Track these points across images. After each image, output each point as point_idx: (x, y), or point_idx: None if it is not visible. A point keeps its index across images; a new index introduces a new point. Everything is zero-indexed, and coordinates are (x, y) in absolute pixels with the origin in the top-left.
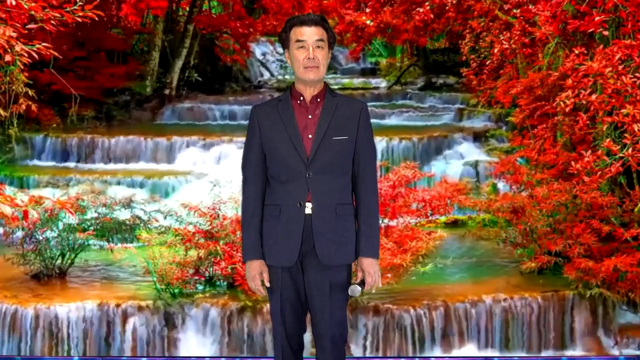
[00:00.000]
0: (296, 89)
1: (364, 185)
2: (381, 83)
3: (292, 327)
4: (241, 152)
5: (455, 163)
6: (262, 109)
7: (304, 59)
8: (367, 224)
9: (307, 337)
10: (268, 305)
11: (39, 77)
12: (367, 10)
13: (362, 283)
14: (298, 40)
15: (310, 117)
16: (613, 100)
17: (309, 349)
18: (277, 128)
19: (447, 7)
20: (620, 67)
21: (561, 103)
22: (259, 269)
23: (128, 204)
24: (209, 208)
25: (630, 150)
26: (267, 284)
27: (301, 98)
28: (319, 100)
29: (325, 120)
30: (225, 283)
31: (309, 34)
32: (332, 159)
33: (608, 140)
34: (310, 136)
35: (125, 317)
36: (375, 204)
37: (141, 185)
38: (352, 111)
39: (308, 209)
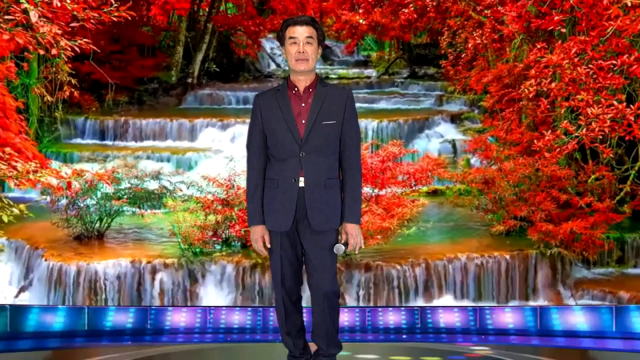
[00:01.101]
0: (292, 80)
1: (349, 162)
2: (372, 73)
3: (290, 281)
4: None
5: (435, 141)
6: (263, 97)
7: (295, 52)
8: (352, 196)
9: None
10: None
11: (80, 68)
12: (360, 11)
13: (346, 244)
14: (291, 37)
15: (303, 105)
16: (570, 88)
17: (308, 301)
18: (275, 114)
19: (428, 9)
20: (576, 60)
21: (525, 90)
22: (261, 232)
23: (156, 176)
24: (225, 179)
25: (584, 130)
26: (268, 245)
27: (296, 89)
28: (311, 90)
29: (316, 108)
30: (239, 243)
31: (300, 32)
32: (322, 141)
33: (565, 121)
34: (303, 121)
35: (154, 272)
36: (358, 178)
37: (167, 160)
38: (340, 98)
39: (301, 183)
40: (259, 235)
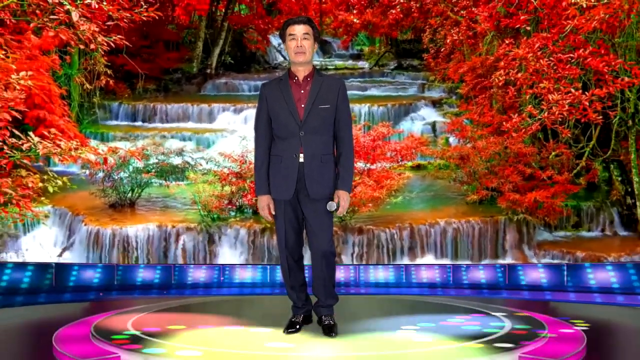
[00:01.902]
0: (292, 71)
1: (343, 140)
2: (364, 64)
3: (292, 243)
4: None
5: (419, 123)
6: (268, 86)
7: (294, 47)
8: (345, 168)
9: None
10: None
11: (115, 60)
12: (354, 11)
13: (338, 205)
14: (290, 34)
15: (302, 91)
16: (534, 77)
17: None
18: (279, 100)
19: (412, 10)
20: (539, 53)
21: (496, 79)
22: (267, 201)
23: (180, 152)
24: (239, 156)
25: (546, 114)
26: (273, 212)
27: (296, 78)
28: (309, 79)
29: (314, 94)
30: (251, 210)
31: (299, 29)
32: (319, 122)
33: (530, 106)
34: (302, 105)
35: (178, 235)
36: (351, 153)
37: (190, 139)
38: (334, 87)
39: (301, 158)
40: (265, 204)
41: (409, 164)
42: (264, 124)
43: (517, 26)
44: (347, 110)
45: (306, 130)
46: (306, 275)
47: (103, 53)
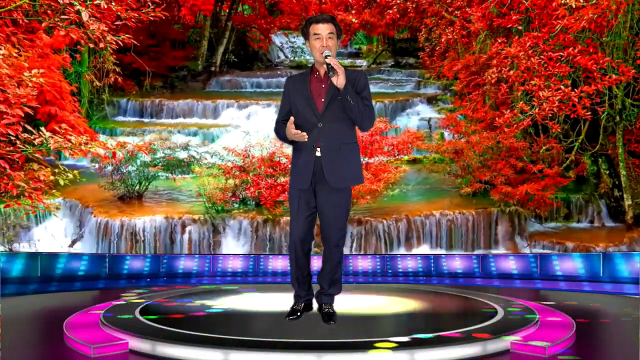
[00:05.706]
0: (315, 67)
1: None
2: (363, 63)
3: (303, 234)
4: (265, 111)
5: (415, 118)
6: (291, 80)
7: (320, 47)
8: (362, 105)
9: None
10: (284, 218)
11: (123, 59)
12: (353, 11)
13: (329, 54)
14: (315, 34)
15: (323, 86)
16: (525, 75)
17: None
18: (299, 93)
19: (408, 10)
20: (530, 52)
21: (488, 77)
22: (290, 123)
23: (186, 147)
24: (242, 150)
25: (536, 110)
26: (293, 121)
27: (317, 73)
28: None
29: (333, 87)
30: (253, 202)
31: (323, 29)
32: (338, 114)
33: (521, 102)
34: (322, 100)
35: (183, 226)
36: (372, 110)
37: (195, 134)
38: (352, 80)
39: (318, 151)
40: (290, 126)
41: (406, 158)
42: (284, 115)
43: (509, 26)
44: (366, 93)
45: (325, 122)
46: (312, 266)
47: (112, 51)
